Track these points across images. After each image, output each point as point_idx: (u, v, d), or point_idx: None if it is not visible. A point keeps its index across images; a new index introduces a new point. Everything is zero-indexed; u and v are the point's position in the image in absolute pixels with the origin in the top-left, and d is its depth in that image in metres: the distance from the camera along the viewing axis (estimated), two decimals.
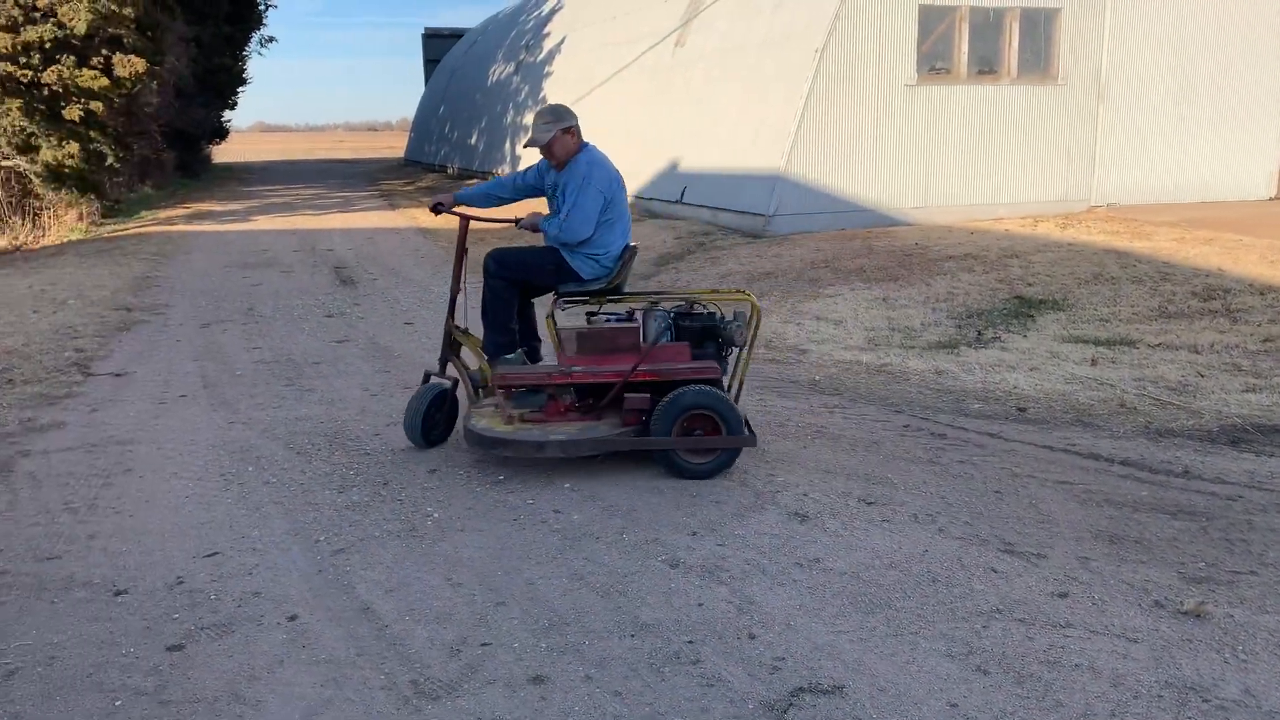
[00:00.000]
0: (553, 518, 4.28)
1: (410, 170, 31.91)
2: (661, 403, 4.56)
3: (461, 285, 5.20)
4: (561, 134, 4.87)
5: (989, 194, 12.92)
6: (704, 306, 4.92)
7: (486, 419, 4.73)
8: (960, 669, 3.05)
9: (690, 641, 3.23)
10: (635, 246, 5.03)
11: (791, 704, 2.87)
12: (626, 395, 4.61)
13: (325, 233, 15.58)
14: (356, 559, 3.89)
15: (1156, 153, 13.78)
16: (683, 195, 13.83)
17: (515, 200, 5.28)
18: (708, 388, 4.59)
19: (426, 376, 5.14)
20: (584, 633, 3.30)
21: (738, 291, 4.98)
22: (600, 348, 4.70)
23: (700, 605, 3.47)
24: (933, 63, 12.64)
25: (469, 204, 5.23)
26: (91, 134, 16.78)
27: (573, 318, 5.34)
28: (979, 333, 7.59)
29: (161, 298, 10.05)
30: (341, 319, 8.93)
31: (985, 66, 12.91)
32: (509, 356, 4.89)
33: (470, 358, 5.24)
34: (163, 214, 18.88)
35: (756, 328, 4.83)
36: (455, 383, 5.13)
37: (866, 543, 3.98)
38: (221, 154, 42.43)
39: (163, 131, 23.00)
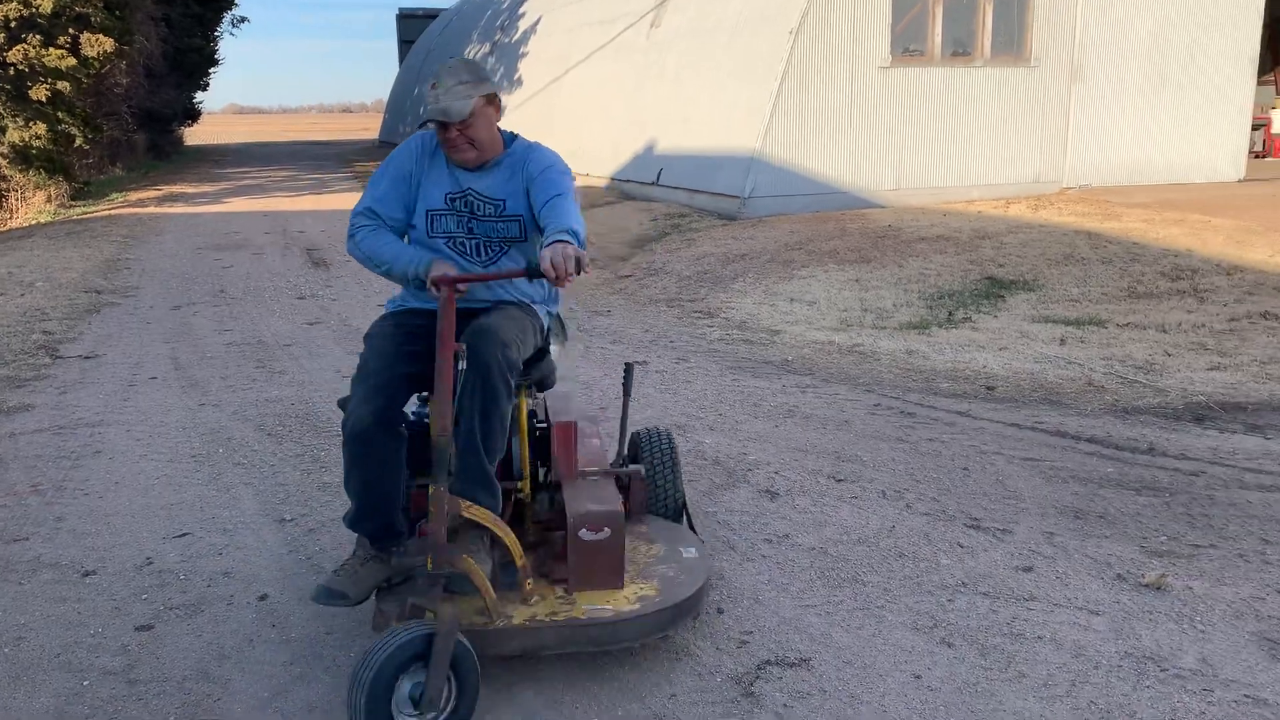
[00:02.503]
0: None
1: (384, 151, 31.63)
2: (661, 458, 3.61)
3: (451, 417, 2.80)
4: (484, 103, 2.99)
5: (962, 176, 12.99)
6: None
7: (586, 607, 2.87)
8: (925, 642, 3.09)
9: None
10: None
11: (759, 677, 2.90)
12: (634, 469, 3.51)
13: (298, 215, 15.47)
14: (327, 539, 3.89)
15: (1128, 134, 13.88)
16: (659, 177, 13.82)
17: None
18: (664, 429, 3.85)
19: (393, 614, 2.78)
20: None
21: None
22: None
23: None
24: (907, 44, 12.66)
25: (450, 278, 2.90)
26: (59, 115, 16.56)
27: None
28: (950, 313, 7.65)
29: (131, 280, 9.95)
30: (313, 300, 8.89)
31: (959, 48, 12.95)
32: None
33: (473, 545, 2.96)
34: (133, 196, 18.67)
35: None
36: (454, 614, 2.59)
37: (835, 519, 4.02)
38: (193, 136, 41.99)
39: (133, 113, 22.72)
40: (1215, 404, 5.45)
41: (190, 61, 30.14)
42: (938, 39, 12.73)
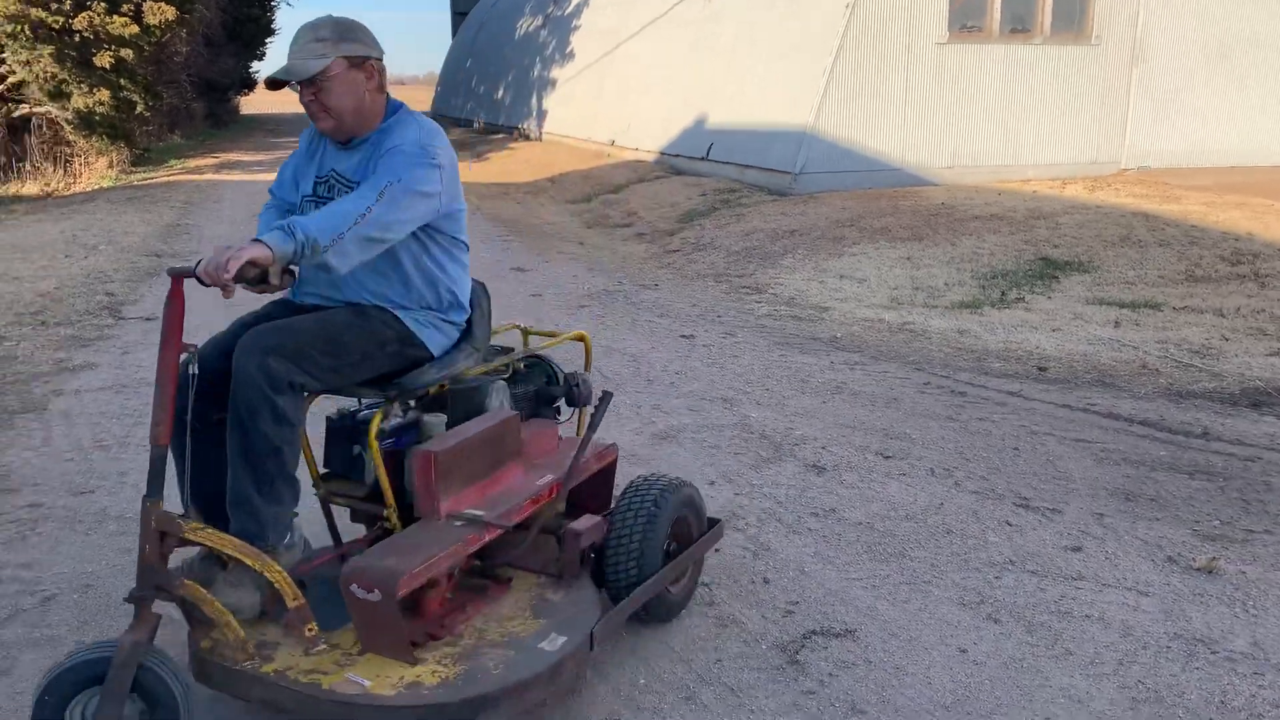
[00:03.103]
0: None
1: (438, 124, 31.84)
2: (631, 520, 2.83)
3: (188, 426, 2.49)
4: (348, 67, 2.64)
5: (1018, 154, 12.78)
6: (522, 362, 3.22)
7: (331, 678, 2.31)
8: (972, 617, 3.10)
9: (705, 584, 3.29)
10: (486, 287, 3.05)
11: (804, 645, 2.93)
12: (569, 526, 2.74)
13: None
14: None
15: (1189, 116, 13.55)
16: (709, 152, 13.77)
17: None
18: (673, 478, 3.03)
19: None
20: None
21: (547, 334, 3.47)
22: (483, 466, 2.69)
23: (717, 550, 3.53)
24: (964, 20, 12.45)
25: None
26: (122, 81, 16.85)
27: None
28: (1003, 293, 7.57)
29: (190, 244, 10.14)
30: None
31: (1018, 25, 12.71)
32: (291, 538, 2.59)
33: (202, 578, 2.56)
34: (191, 163, 18.98)
35: (588, 370, 3.42)
36: (135, 642, 2.24)
37: (883, 494, 4.02)
38: (249, 105, 42.47)
39: (191, 81, 23.05)
40: (1273, 389, 5.35)
41: (247, 31, 30.48)
42: (996, 15, 12.50)
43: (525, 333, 3.42)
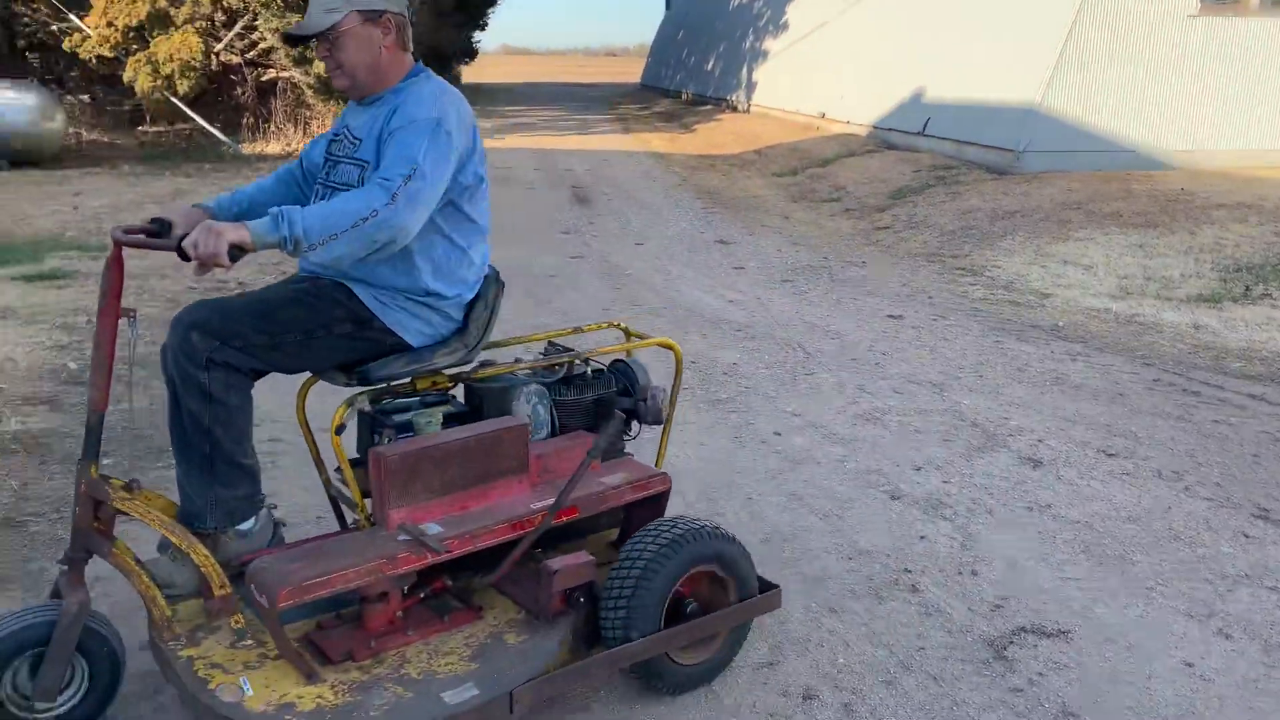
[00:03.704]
0: (773, 439, 4.33)
1: (646, 95, 32.18)
2: (627, 568, 2.41)
3: (121, 384, 2.78)
4: (362, 21, 2.47)
5: (1272, 138, 11.70)
6: (585, 364, 2.88)
7: (225, 678, 2.18)
8: (1199, 630, 2.90)
9: (908, 571, 3.22)
10: (500, 277, 2.74)
11: (1012, 642, 2.82)
12: (545, 563, 2.40)
13: (564, 153, 16.04)
14: None
15: None
16: (925, 127, 13.30)
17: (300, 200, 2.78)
18: (698, 523, 2.52)
19: (55, 590, 2.34)
20: (802, 550, 3.35)
21: (626, 333, 3.03)
22: (462, 478, 2.41)
23: (922, 538, 3.44)
24: None
25: (219, 216, 2.55)
26: None
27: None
28: (1247, 288, 6.97)
29: None
30: (577, 236, 9.23)
31: None
32: (246, 525, 2.47)
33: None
34: None
35: (678, 385, 2.93)
36: (81, 603, 2.23)
37: (1104, 494, 3.81)
38: (470, 74, 44.20)
39: (420, 49, 24.14)
40: None
41: (472, 2, 31.63)
42: None
43: (627, 332, 3.03)
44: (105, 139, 16.07)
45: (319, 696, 2.13)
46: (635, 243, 8.95)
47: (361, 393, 2.50)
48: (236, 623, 2.32)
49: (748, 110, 21.05)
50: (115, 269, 2.26)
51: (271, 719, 2.05)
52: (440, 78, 2.59)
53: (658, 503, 2.66)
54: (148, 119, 16.76)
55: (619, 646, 2.35)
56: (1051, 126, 11.24)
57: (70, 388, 4.66)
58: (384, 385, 2.53)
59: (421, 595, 2.42)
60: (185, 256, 2.15)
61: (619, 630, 2.36)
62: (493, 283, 2.69)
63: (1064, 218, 8.86)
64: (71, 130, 14.81)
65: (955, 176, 11.14)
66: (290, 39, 2.56)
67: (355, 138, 2.53)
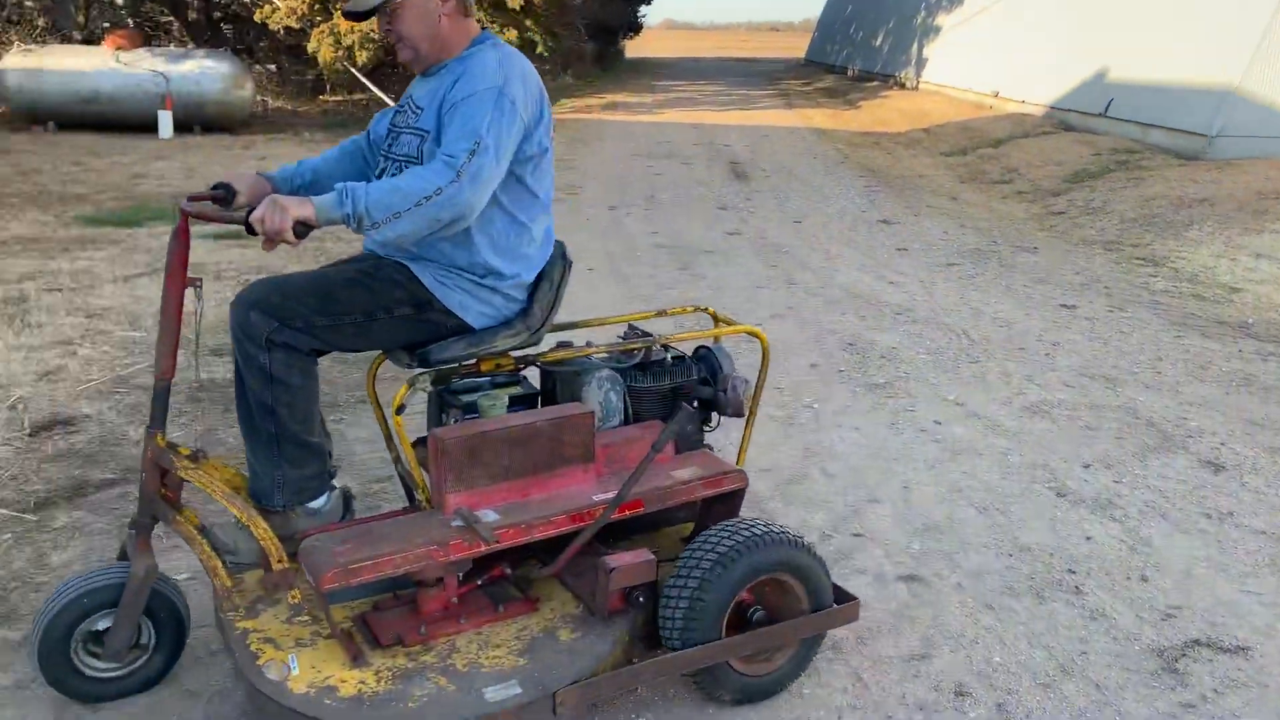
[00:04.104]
0: (932, 427, 4.21)
1: (810, 70, 31.64)
2: (686, 571, 2.31)
3: (188, 355, 2.74)
4: None
5: None
6: (665, 350, 2.73)
7: (276, 654, 2.19)
8: None
9: (1072, 572, 3.08)
10: (568, 255, 2.66)
11: (1185, 654, 2.67)
12: (603, 559, 2.31)
13: (724, 128, 15.95)
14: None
15: None
16: (1107, 108, 12.60)
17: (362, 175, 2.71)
18: (765, 527, 2.39)
19: (123, 550, 2.42)
20: (959, 544, 3.25)
21: (712, 318, 2.89)
22: (523, 464, 2.35)
23: (1088, 539, 3.29)
24: None
25: (281, 187, 2.58)
26: (527, 23, 18.19)
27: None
28: None
29: (575, 179, 10.83)
30: (733, 212, 9.17)
31: None
32: (316, 504, 2.49)
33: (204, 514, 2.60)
34: (579, 102, 20.22)
35: (764, 377, 2.75)
36: (149, 567, 2.31)
37: None
38: (633, 49, 44.43)
39: (585, 24, 24.44)
40: None
41: None
42: None
43: (715, 317, 2.89)
44: (289, 107, 16.92)
45: (361, 682, 2.11)
46: (793, 220, 8.83)
47: (423, 373, 2.44)
48: (294, 598, 2.33)
49: (916, 87, 20.42)
50: (181, 238, 2.27)
51: (311, 702, 2.04)
52: (506, 44, 2.48)
53: (732, 500, 2.52)
54: (328, 88, 17.55)
55: (675, 653, 2.26)
56: (1250, 110, 10.47)
57: None
58: (447, 367, 2.45)
59: (479, 582, 2.39)
60: (252, 230, 2.16)
61: (676, 635, 2.26)
62: (558, 261, 2.57)
63: (1261, 208, 8.25)
64: (259, 98, 15.64)
65: (1138, 161, 10.52)
66: (351, 15, 2.47)
67: (417, 107, 2.45)
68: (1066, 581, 3.02)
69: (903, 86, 21.18)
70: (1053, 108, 14.06)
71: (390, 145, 2.49)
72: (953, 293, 6.41)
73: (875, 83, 22.98)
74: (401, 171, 2.35)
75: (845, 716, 2.41)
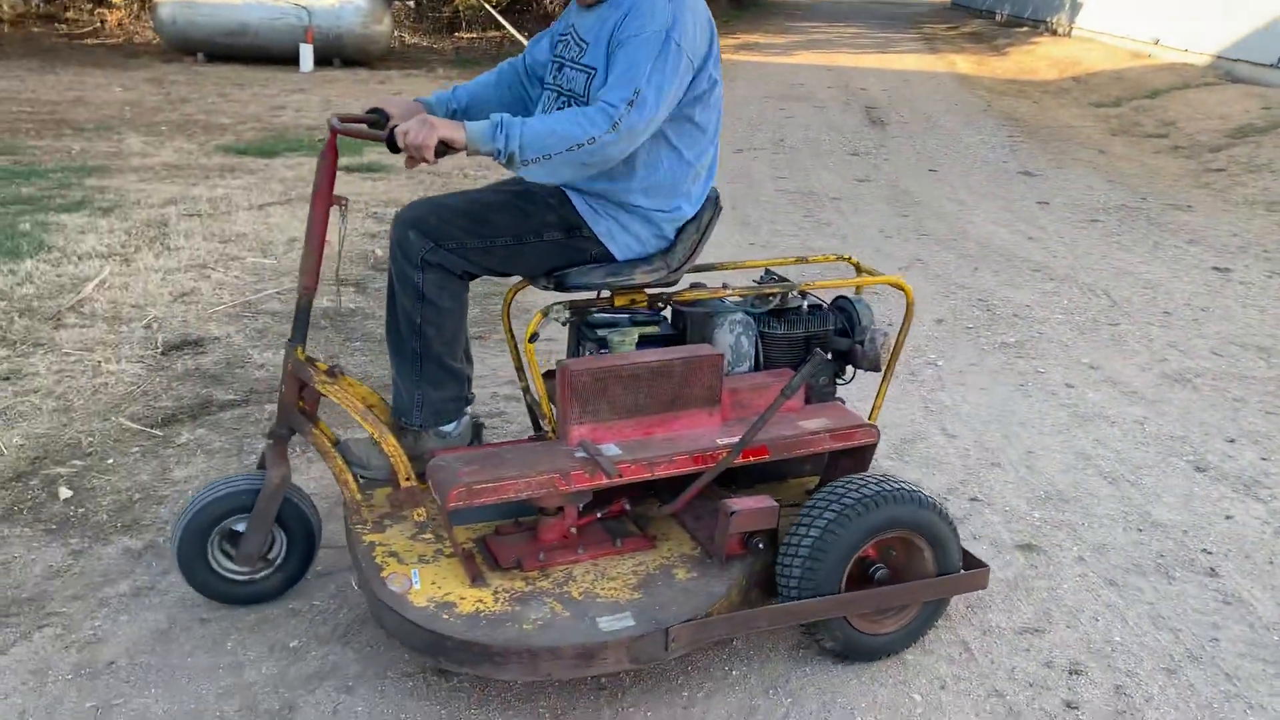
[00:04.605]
0: (1063, 391, 3.99)
1: (955, 14, 30.31)
2: (810, 520, 2.26)
3: (328, 275, 2.73)
4: None
5: None
6: (802, 297, 2.67)
7: (398, 568, 2.23)
8: None
9: (1208, 552, 2.88)
10: (719, 198, 2.58)
11: None
12: (724, 502, 2.26)
13: (860, 72, 15.42)
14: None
15: None
16: None
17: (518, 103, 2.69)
18: (894, 483, 2.30)
19: (262, 459, 2.47)
20: (1083, 514, 3.07)
21: (852, 267, 2.82)
22: (649, 402, 2.33)
23: (1228, 518, 3.07)
24: None
25: (435, 111, 2.55)
26: None
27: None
28: None
29: None
30: (865, 158, 8.87)
31: None
32: (448, 427, 2.55)
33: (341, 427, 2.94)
34: None
35: (906, 331, 2.67)
36: (283, 476, 2.36)
37: None
38: None
39: None
40: None
41: None
42: None
43: (858, 267, 2.81)
44: (424, 43, 17.12)
45: (480, 600, 2.14)
46: (928, 169, 8.48)
47: (557, 303, 2.44)
48: (419, 515, 2.38)
49: (1069, 34, 19.34)
50: (330, 157, 2.31)
51: (430, 616, 2.08)
52: None
53: (861, 455, 2.46)
54: (463, 25, 17.69)
55: (794, 601, 2.22)
56: None
57: (374, 274, 5.03)
58: (583, 295, 2.47)
59: (598, 515, 2.40)
60: (394, 147, 2.14)
61: (794, 585, 2.22)
62: (710, 205, 2.53)
63: None
64: (395, 33, 15.86)
65: None
66: None
67: (582, 40, 2.39)
68: (1200, 562, 2.83)
69: (1054, 33, 20.09)
70: (1219, 57, 13.10)
71: (555, 77, 2.46)
72: (1095, 250, 6.06)
73: (1025, 28, 21.85)
74: (565, 107, 2.33)
75: (949, 687, 2.31)
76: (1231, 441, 3.58)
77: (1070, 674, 2.36)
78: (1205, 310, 4.99)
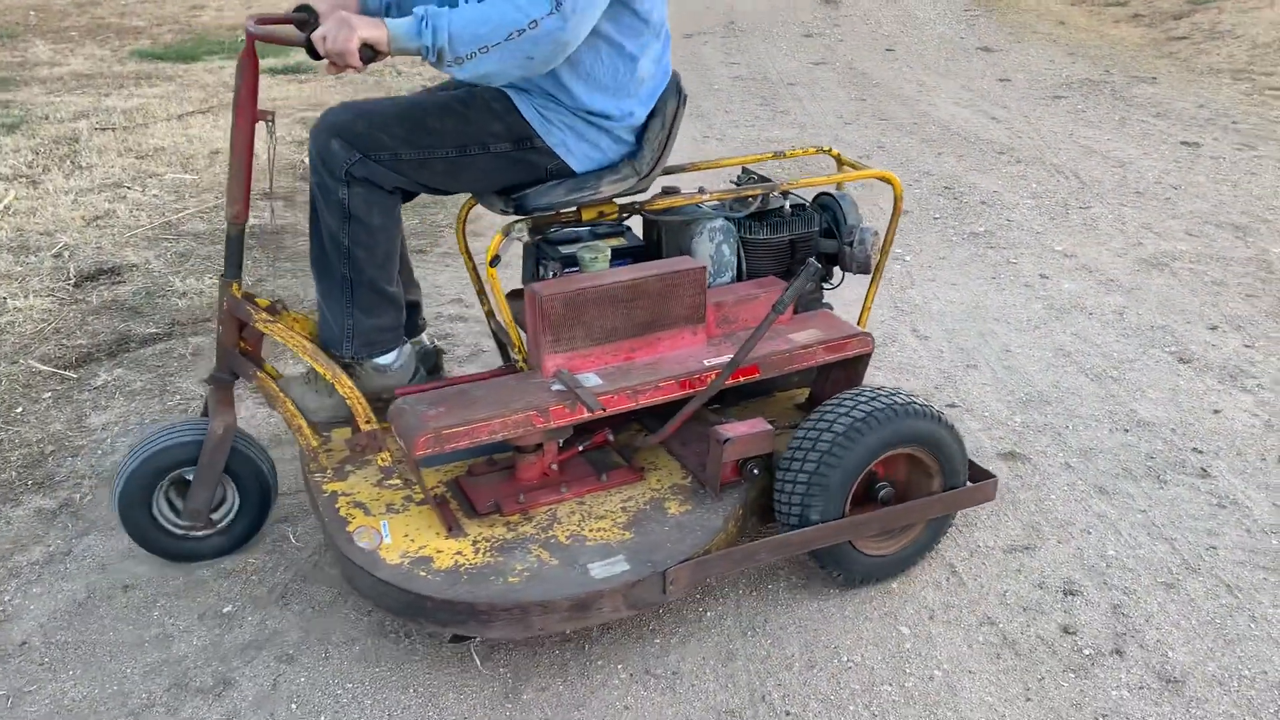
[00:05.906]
0: (1037, 282, 3.81)
1: None
2: (809, 443, 2.05)
3: (260, 193, 2.56)
4: None
5: None
6: (784, 197, 2.42)
7: (366, 520, 2.04)
8: None
9: (1199, 451, 2.74)
10: (682, 88, 2.24)
11: None
12: (715, 429, 2.08)
13: None
14: None
15: None
16: None
17: None
18: (894, 394, 2.11)
19: (205, 407, 2.24)
20: (1067, 416, 2.92)
21: (837, 162, 2.51)
22: (628, 324, 2.13)
23: (1216, 412, 2.93)
24: None
25: (369, 8, 2.19)
26: None
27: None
28: None
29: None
30: (819, 39, 8.51)
31: None
32: (385, 359, 2.26)
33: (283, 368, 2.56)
34: None
35: (895, 228, 2.45)
36: (227, 425, 2.16)
37: None
38: None
39: None
40: None
41: None
42: None
43: (839, 160, 2.50)
44: None
45: (458, 553, 1.94)
46: (885, 48, 8.16)
47: (518, 221, 2.17)
48: (383, 460, 2.18)
49: None
50: (250, 64, 2.01)
51: (404, 574, 1.88)
52: None
53: (855, 367, 2.27)
54: None
55: (793, 531, 2.04)
56: None
57: (302, 185, 4.69)
58: (544, 215, 2.18)
59: (580, 448, 2.20)
60: (314, 53, 1.88)
61: (795, 511, 2.04)
62: (672, 95, 2.19)
63: None
64: None
65: None
66: None
67: None
68: (1191, 462, 2.69)
69: None
70: None
71: None
72: (1060, 129, 5.84)
73: None
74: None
75: (938, 617, 2.16)
76: (1214, 329, 3.43)
77: (1065, 595, 2.22)
78: (1177, 188, 4.82)
